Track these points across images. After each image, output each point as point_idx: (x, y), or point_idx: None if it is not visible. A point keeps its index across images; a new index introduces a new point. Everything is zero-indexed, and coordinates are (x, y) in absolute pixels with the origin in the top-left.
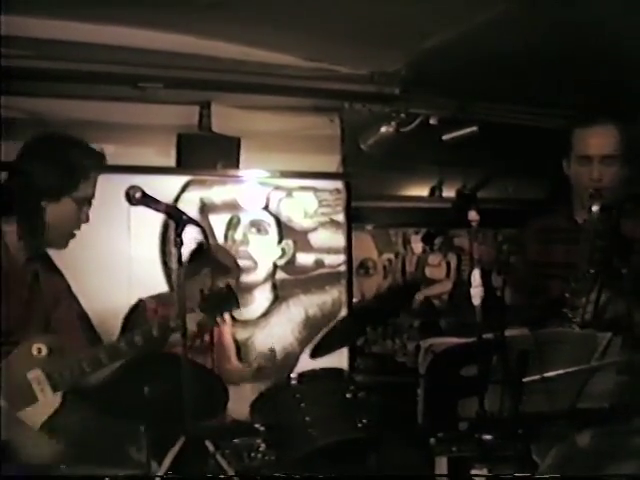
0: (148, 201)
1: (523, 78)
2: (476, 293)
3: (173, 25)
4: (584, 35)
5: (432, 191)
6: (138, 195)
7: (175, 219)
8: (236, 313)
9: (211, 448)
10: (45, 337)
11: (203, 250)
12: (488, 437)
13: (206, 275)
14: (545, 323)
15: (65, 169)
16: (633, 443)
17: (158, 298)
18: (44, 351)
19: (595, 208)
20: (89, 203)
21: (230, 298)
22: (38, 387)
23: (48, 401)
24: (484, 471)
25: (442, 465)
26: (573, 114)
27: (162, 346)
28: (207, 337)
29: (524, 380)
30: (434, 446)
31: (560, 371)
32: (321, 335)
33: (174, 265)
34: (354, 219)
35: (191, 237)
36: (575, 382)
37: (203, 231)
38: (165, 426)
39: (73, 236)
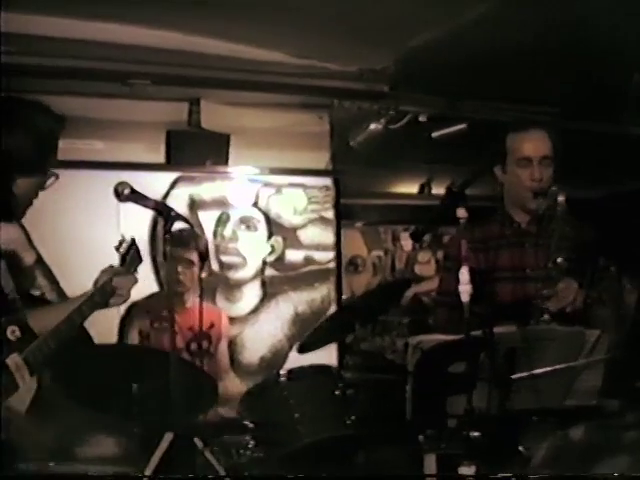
0: (137, 197)
1: (512, 75)
2: (464, 290)
3: (162, 21)
4: (573, 32)
5: (421, 188)
6: (127, 191)
7: (164, 215)
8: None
9: (200, 445)
10: (15, 317)
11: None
12: (476, 434)
13: None
14: (522, 317)
15: (37, 138)
16: (626, 437)
17: (151, 299)
18: (17, 333)
19: (561, 198)
20: (51, 171)
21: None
22: (18, 373)
23: (28, 386)
24: (472, 468)
25: (431, 462)
26: (561, 111)
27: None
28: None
29: (512, 377)
30: (423, 443)
31: (548, 368)
32: (310, 331)
33: (161, 260)
34: (343, 216)
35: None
36: (563, 379)
37: (192, 227)
38: (154, 423)
39: (31, 205)
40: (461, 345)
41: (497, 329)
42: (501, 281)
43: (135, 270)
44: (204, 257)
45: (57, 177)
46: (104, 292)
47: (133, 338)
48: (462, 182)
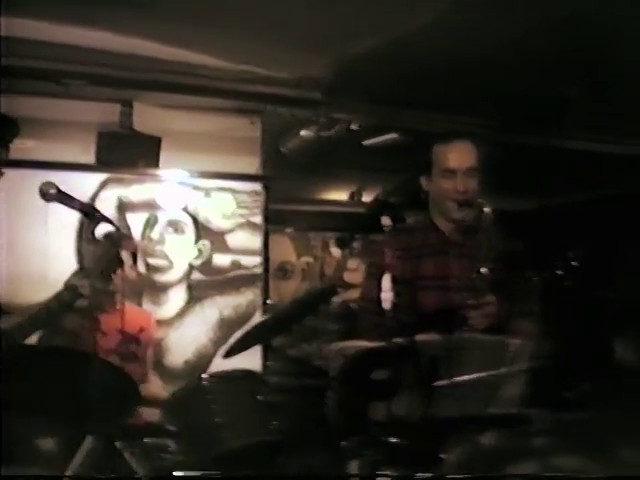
0: (62, 198)
1: (448, 86)
2: (387, 297)
3: (97, 22)
4: (510, 45)
5: (351, 196)
6: (52, 191)
7: (89, 217)
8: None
9: (120, 448)
10: None
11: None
12: (395, 440)
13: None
14: (446, 326)
15: None
16: (534, 444)
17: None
18: None
19: (487, 209)
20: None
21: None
22: None
23: None
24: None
25: (353, 469)
26: (495, 124)
27: (69, 309)
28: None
29: (434, 385)
30: (345, 449)
31: (470, 376)
32: (235, 339)
33: (87, 263)
34: (273, 222)
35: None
36: (484, 388)
37: (117, 229)
38: (75, 425)
39: None
40: (383, 352)
41: (420, 337)
42: (425, 289)
43: (113, 272)
44: (134, 256)
45: (2, 174)
46: (70, 292)
47: (63, 339)
48: (388, 191)
